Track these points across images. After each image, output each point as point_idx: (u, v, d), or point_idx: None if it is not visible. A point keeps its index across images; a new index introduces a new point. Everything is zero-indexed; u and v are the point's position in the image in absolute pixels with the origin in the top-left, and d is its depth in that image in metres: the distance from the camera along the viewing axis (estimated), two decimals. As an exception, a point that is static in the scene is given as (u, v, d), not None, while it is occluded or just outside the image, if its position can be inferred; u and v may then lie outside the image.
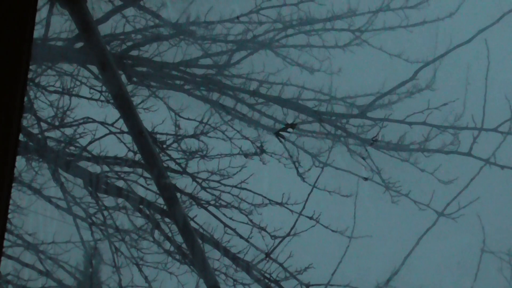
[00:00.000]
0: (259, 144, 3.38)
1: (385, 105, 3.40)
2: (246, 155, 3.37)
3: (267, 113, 3.46)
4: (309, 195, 3.19)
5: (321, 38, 3.48)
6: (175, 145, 3.42)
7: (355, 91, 3.42)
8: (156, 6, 3.56)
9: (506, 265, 3.04)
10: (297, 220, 3.20)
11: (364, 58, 3.42)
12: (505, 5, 3.31)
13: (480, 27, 3.32)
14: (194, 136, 3.40)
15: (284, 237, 3.22)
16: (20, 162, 3.30)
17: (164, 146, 3.38)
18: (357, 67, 3.41)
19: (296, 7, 3.51)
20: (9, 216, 3.16)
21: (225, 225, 3.32)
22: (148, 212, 3.37)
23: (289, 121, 3.41)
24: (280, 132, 3.38)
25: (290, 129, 3.37)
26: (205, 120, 3.39)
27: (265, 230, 3.28)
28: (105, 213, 3.35)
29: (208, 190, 3.37)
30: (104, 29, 3.49)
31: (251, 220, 3.30)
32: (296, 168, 3.35)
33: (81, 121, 3.38)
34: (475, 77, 3.26)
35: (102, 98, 3.42)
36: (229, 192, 3.35)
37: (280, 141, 3.38)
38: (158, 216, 3.35)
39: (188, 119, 3.43)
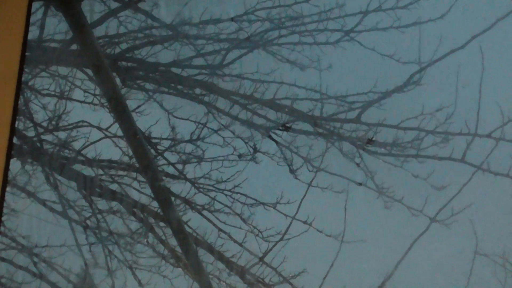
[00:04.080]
0: (252, 144, 3.39)
1: (380, 106, 3.41)
2: (240, 156, 3.38)
3: (260, 114, 3.47)
4: (302, 200, 3.20)
5: (313, 39, 3.50)
6: (170, 146, 3.43)
7: (347, 89, 3.43)
8: (149, 6, 3.57)
9: (500, 268, 3.04)
10: (290, 225, 3.21)
11: (355, 57, 3.43)
12: (498, 8, 3.32)
13: (472, 28, 3.33)
14: (191, 141, 3.41)
15: (277, 242, 3.22)
16: (14, 165, 3.30)
17: (160, 151, 3.38)
18: (348, 65, 3.42)
19: (289, 8, 3.53)
20: (3, 218, 3.16)
21: (219, 229, 3.32)
22: (142, 215, 3.37)
23: (284, 122, 3.42)
24: (279, 129, 3.40)
25: (284, 130, 3.39)
26: (202, 123, 3.40)
27: (259, 232, 3.29)
28: (99, 216, 3.35)
29: (202, 190, 3.38)
30: (99, 31, 3.49)
31: (245, 221, 3.31)
32: (289, 166, 3.35)
33: (76, 124, 3.38)
34: (469, 82, 3.27)
35: (96, 101, 3.42)
36: (222, 192, 3.36)
37: (276, 142, 3.38)
38: (152, 220, 3.35)
39: (182, 118, 3.44)
